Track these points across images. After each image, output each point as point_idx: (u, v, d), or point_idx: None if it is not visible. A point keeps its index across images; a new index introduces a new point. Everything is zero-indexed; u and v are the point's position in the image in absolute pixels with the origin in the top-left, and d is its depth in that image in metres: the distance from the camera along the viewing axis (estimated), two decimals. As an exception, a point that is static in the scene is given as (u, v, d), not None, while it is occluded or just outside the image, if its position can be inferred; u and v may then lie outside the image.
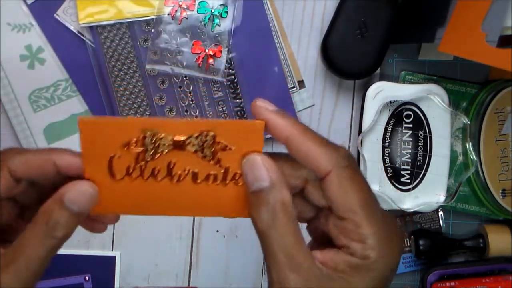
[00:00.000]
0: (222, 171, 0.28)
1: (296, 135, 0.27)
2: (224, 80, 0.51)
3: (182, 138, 0.27)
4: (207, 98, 0.51)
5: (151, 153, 0.27)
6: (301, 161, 0.27)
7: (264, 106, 0.27)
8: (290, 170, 0.28)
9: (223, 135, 0.27)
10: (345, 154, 0.27)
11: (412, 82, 0.52)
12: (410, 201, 0.51)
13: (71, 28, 0.50)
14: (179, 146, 0.27)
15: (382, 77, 0.53)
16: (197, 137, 0.27)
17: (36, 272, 0.27)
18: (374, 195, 0.28)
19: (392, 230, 0.28)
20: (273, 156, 0.28)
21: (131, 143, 0.27)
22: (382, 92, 0.50)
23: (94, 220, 0.31)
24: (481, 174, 0.51)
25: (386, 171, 0.51)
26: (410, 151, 0.51)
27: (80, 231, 0.56)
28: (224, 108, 0.51)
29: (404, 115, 0.51)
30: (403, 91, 0.50)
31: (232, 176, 0.28)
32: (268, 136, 0.54)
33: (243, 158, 0.27)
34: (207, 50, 0.50)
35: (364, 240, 0.26)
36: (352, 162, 0.27)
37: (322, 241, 0.29)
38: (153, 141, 0.27)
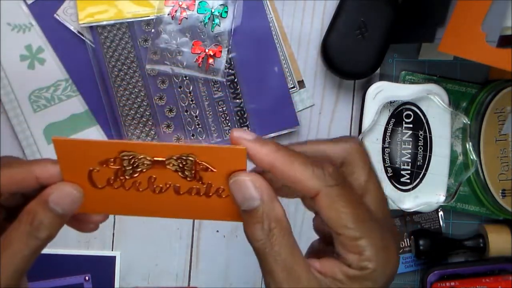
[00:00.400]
0: (205, 186, 0.27)
1: (279, 162, 0.26)
2: (224, 80, 0.51)
3: (161, 158, 0.26)
4: (207, 98, 0.51)
5: (129, 172, 0.27)
6: (289, 186, 0.27)
7: (241, 137, 0.27)
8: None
9: (204, 159, 0.26)
10: (331, 171, 0.26)
11: (412, 82, 0.52)
12: (410, 201, 0.51)
13: (71, 28, 0.50)
14: (159, 164, 0.27)
15: (382, 77, 0.53)
16: (176, 159, 0.26)
17: (20, 270, 0.27)
18: (365, 206, 0.28)
19: (389, 237, 0.28)
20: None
21: (109, 161, 0.27)
22: (382, 92, 0.50)
23: (81, 220, 0.30)
24: (481, 174, 0.51)
25: (386, 171, 0.51)
26: (410, 151, 0.51)
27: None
28: (224, 108, 0.51)
29: (404, 115, 0.51)
30: (403, 91, 0.50)
31: (215, 190, 0.27)
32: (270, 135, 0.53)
33: (227, 177, 0.27)
34: (207, 50, 0.50)
35: (361, 252, 0.26)
36: (340, 178, 0.27)
37: (329, 240, 0.29)
38: (131, 162, 0.26)
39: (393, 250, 0.28)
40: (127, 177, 0.27)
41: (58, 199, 0.27)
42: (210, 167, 0.27)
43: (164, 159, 0.26)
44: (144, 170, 0.27)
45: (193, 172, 0.27)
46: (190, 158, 0.26)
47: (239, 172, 0.27)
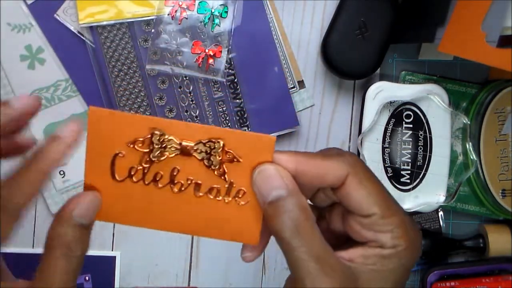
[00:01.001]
0: (226, 185, 0.27)
1: (303, 162, 0.27)
2: (224, 80, 0.51)
3: (190, 143, 0.27)
4: (207, 98, 0.51)
5: (157, 153, 0.27)
6: (315, 181, 0.27)
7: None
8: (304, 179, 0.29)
9: (232, 145, 0.27)
10: (352, 157, 0.28)
11: (412, 82, 0.52)
12: (410, 201, 0.51)
13: (71, 28, 0.50)
14: (185, 151, 0.27)
15: (382, 77, 0.53)
16: (205, 144, 0.27)
17: None
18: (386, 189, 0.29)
19: (411, 220, 0.28)
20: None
21: (138, 140, 0.26)
22: (382, 92, 0.50)
23: None
24: (481, 174, 0.51)
25: (386, 171, 0.51)
26: (410, 151, 0.51)
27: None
28: (224, 108, 0.51)
29: (404, 115, 0.51)
30: (403, 91, 0.50)
31: (235, 193, 0.27)
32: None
33: (251, 172, 0.27)
34: (207, 50, 0.50)
35: (393, 230, 0.27)
36: (361, 162, 0.28)
37: (332, 242, 0.30)
38: (160, 140, 0.26)
39: (417, 229, 0.28)
40: (153, 159, 0.27)
41: (82, 211, 0.27)
42: (237, 157, 0.27)
43: (192, 143, 0.27)
44: (171, 155, 0.27)
45: (219, 159, 0.27)
46: (220, 142, 0.26)
47: (262, 165, 0.27)
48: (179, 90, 0.51)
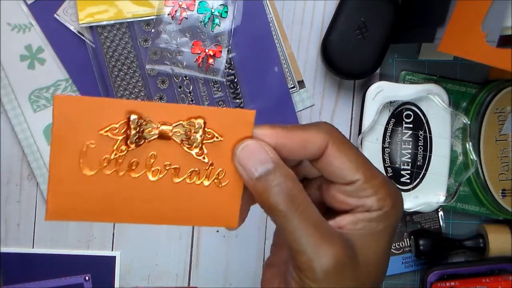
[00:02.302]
0: (206, 167, 0.26)
1: (282, 135, 0.27)
2: (224, 80, 0.51)
3: (168, 124, 0.25)
4: (207, 98, 0.51)
5: (135, 138, 0.25)
6: (296, 153, 0.27)
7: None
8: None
9: (213, 123, 0.26)
10: (328, 125, 0.28)
11: (412, 82, 0.52)
12: (410, 201, 0.51)
13: (71, 28, 0.50)
14: (164, 134, 0.25)
15: (382, 77, 0.53)
16: (185, 125, 0.25)
17: None
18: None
19: (389, 179, 0.29)
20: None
21: (113, 126, 0.25)
22: (382, 92, 0.50)
23: None
24: (481, 174, 0.51)
25: (386, 171, 0.51)
26: (410, 151, 0.51)
27: (80, 230, 0.56)
28: (224, 108, 0.51)
29: (404, 115, 0.51)
30: (403, 91, 0.50)
31: (215, 175, 0.26)
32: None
33: (231, 150, 0.26)
34: (207, 50, 0.50)
35: (377, 192, 0.27)
36: (337, 129, 0.28)
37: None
38: (138, 124, 0.25)
39: (395, 187, 0.29)
40: (130, 145, 0.25)
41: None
42: (217, 135, 0.26)
43: (171, 126, 0.25)
44: (149, 140, 0.25)
45: (200, 140, 0.26)
46: (201, 120, 0.26)
47: (243, 141, 0.26)
48: (179, 90, 0.51)
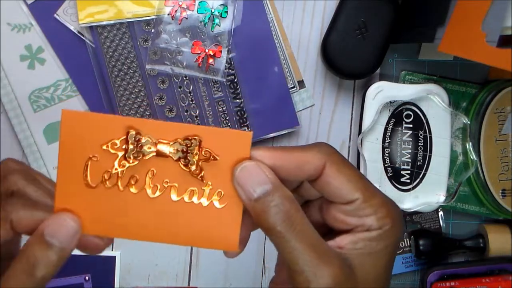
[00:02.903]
0: (203, 187, 0.27)
1: (279, 156, 0.27)
2: (224, 80, 0.51)
3: (166, 141, 0.26)
4: (207, 98, 0.51)
5: (132, 153, 0.26)
6: (294, 174, 0.27)
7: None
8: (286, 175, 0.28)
9: (209, 142, 0.26)
10: (327, 147, 0.28)
11: (412, 82, 0.52)
12: (410, 201, 0.51)
13: (71, 28, 0.50)
14: (161, 151, 0.26)
15: (382, 77, 0.53)
16: (181, 143, 0.26)
17: None
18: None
19: (390, 199, 0.29)
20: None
21: (113, 142, 0.26)
22: (382, 92, 0.50)
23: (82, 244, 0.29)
24: (481, 174, 0.51)
25: (386, 171, 0.51)
26: (410, 151, 0.51)
27: (80, 231, 0.55)
28: (224, 108, 0.51)
29: (404, 115, 0.51)
30: (403, 91, 0.50)
31: (213, 195, 0.27)
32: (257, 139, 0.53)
33: (228, 171, 0.26)
34: (207, 50, 0.50)
35: (376, 212, 0.27)
36: (336, 151, 0.28)
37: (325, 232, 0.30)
38: (136, 139, 0.26)
39: (397, 206, 0.29)
40: (129, 160, 0.26)
41: (54, 230, 0.25)
42: (214, 155, 0.26)
43: (168, 143, 0.26)
44: (147, 157, 0.26)
45: (196, 159, 0.26)
46: (196, 138, 0.26)
47: (242, 162, 0.26)
48: (179, 90, 0.51)
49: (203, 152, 0.26)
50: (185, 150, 0.26)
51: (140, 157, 0.26)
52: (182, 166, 0.26)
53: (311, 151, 0.27)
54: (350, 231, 0.28)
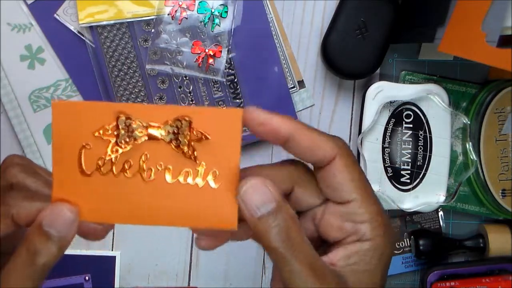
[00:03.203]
0: (197, 167, 0.26)
1: (299, 129, 0.27)
2: (224, 80, 0.51)
3: (156, 124, 0.26)
4: (207, 98, 0.51)
5: (124, 138, 0.26)
6: (305, 153, 0.27)
7: (258, 111, 0.28)
8: (277, 177, 0.28)
9: (200, 123, 0.26)
10: (343, 142, 0.28)
11: (412, 82, 0.52)
12: (410, 201, 0.51)
13: (71, 28, 0.50)
14: (153, 135, 0.26)
15: (382, 77, 0.53)
16: (171, 124, 0.26)
17: None
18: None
19: (385, 211, 0.29)
20: (258, 168, 0.28)
21: (104, 128, 0.26)
22: (382, 92, 0.50)
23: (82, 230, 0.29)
24: (481, 174, 0.51)
25: (386, 171, 0.51)
26: (410, 151, 0.51)
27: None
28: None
29: (404, 115, 0.51)
30: (403, 91, 0.50)
31: (210, 174, 0.27)
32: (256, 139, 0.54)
33: (220, 150, 0.26)
34: (207, 50, 0.50)
35: (371, 220, 0.27)
36: (349, 148, 0.28)
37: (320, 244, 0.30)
38: (127, 124, 0.26)
39: (389, 220, 0.29)
40: (121, 145, 0.26)
41: (51, 220, 0.26)
42: (205, 134, 0.26)
43: (159, 125, 0.26)
44: (139, 141, 0.26)
45: (187, 138, 0.26)
46: (186, 119, 0.26)
47: (247, 179, 0.26)
48: (179, 90, 0.51)
49: (194, 132, 0.26)
50: (176, 131, 0.26)
51: (132, 142, 0.26)
52: (174, 147, 0.26)
53: (327, 139, 0.27)
54: (342, 243, 0.28)
